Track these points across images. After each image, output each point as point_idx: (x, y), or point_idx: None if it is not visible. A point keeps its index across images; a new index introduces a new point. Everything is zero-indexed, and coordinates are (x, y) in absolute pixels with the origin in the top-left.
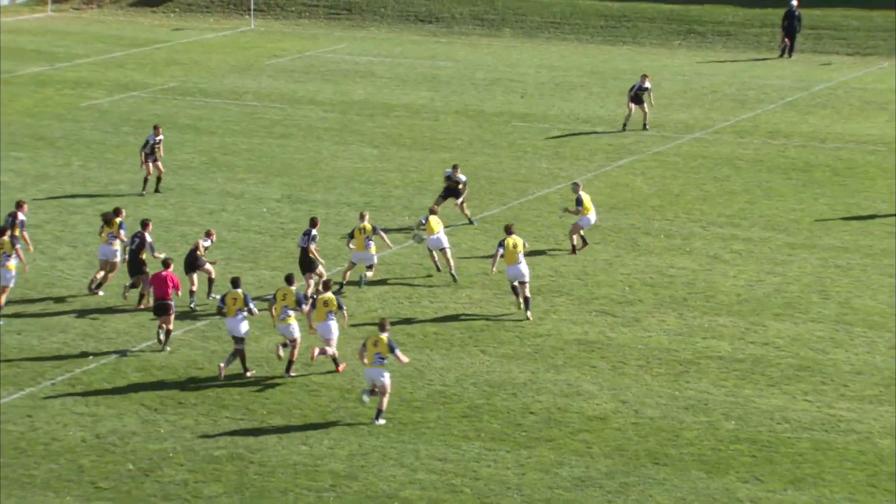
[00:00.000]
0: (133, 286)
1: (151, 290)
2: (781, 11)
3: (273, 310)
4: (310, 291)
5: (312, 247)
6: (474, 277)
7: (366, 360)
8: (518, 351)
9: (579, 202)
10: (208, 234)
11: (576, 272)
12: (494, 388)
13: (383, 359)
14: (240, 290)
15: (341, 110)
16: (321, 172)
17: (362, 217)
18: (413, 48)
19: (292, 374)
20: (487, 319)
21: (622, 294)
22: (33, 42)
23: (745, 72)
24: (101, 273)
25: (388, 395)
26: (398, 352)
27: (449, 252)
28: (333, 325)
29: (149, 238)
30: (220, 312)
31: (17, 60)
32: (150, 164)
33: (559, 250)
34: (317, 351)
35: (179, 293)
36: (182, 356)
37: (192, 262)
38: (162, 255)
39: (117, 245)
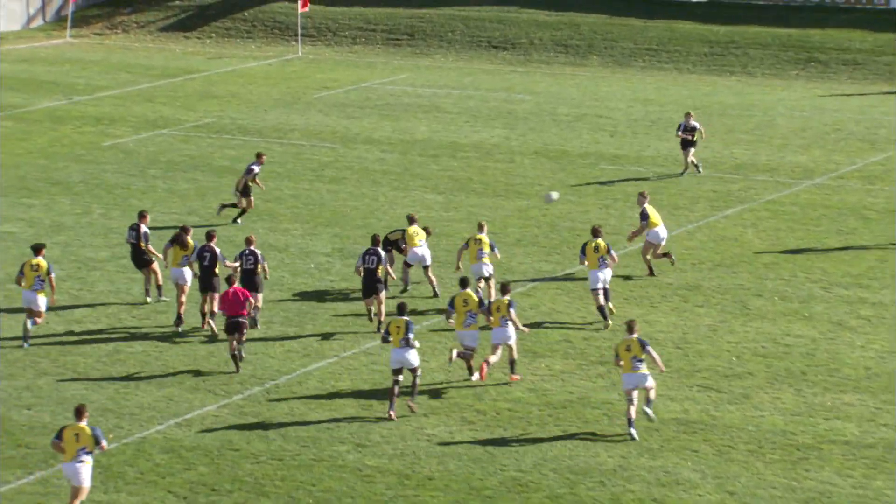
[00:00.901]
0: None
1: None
2: None
3: (451, 319)
4: (382, 311)
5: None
6: (555, 345)
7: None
8: (606, 431)
9: (644, 216)
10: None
11: (674, 339)
12: (578, 476)
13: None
14: (405, 318)
15: (401, 150)
16: (378, 222)
17: (480, 228)
18: (485, 79)
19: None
20: (570, 393)
21: (729, 366)
22: (49, 72)
23: (876, 107)
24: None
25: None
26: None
27: (431, 270)
28: (510, 330)
29: (217, 250)
30: (385, 341)
31: (30, 93)
32: (245, 198)
33: (655, 313)
34: (454, 355)
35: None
36: (216, 436)
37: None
38: (236, 263)
39: (188, 268)
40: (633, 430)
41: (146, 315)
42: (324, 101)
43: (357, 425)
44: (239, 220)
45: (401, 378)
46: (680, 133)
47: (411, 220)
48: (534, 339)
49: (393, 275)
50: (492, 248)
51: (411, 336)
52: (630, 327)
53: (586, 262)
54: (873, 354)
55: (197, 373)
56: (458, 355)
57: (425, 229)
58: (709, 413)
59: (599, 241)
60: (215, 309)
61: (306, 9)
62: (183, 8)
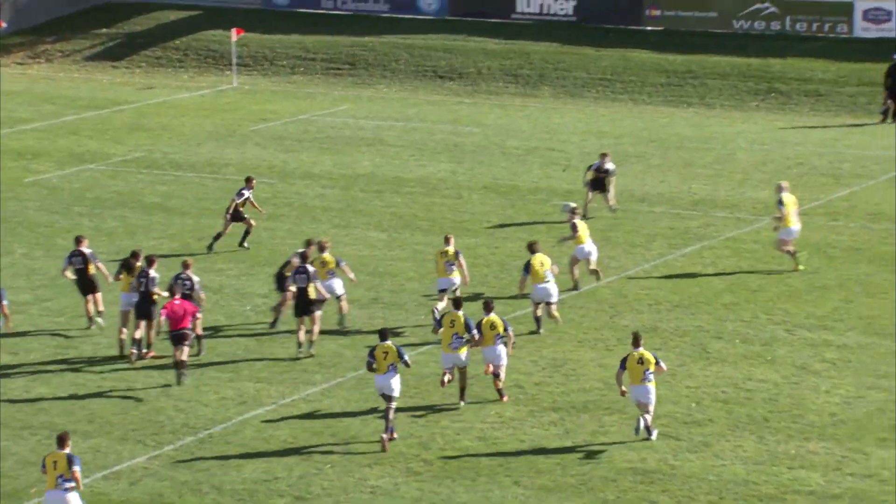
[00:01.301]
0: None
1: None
2: (884, 66)
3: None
4: (315, 332)
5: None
6: (506, 390)
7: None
8: (560, 482)
9: (574, 228)
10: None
11: None
12: None
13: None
14: (389, 342)
15: (343, 185)
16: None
17: (447, 241)
18: (431, 110)
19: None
20: (521, 442)
21: (688, 412)
22: None
23: (839, 140)
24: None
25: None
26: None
27: (344, 298)
28: (502, 349)
29: (156, 275)
30: (371, 368)
31: None
32: (232, 221)
33: (611, 356)
34: (447, 378)
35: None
36: (146, 489)
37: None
38: (165, 293)
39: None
40: (653, 436)
41: (73, 360)
42: (260, 134)
43: (296, 477)
44: (246, 244)
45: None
46: (591, 171)
47: (321, 248)
48: (484, 384)
49: (325, 293)
50: (456, 255)
51: (406, 358)
52: (636, 340)
53: (529, 279)
54: (839, 400)
55: (126, 421)
56: (449, 378)
57: (318, 244)
58: (667, 462)
59: (543, 257)
60: (152, 338)
61: (240, 34)
62: (110, 36)
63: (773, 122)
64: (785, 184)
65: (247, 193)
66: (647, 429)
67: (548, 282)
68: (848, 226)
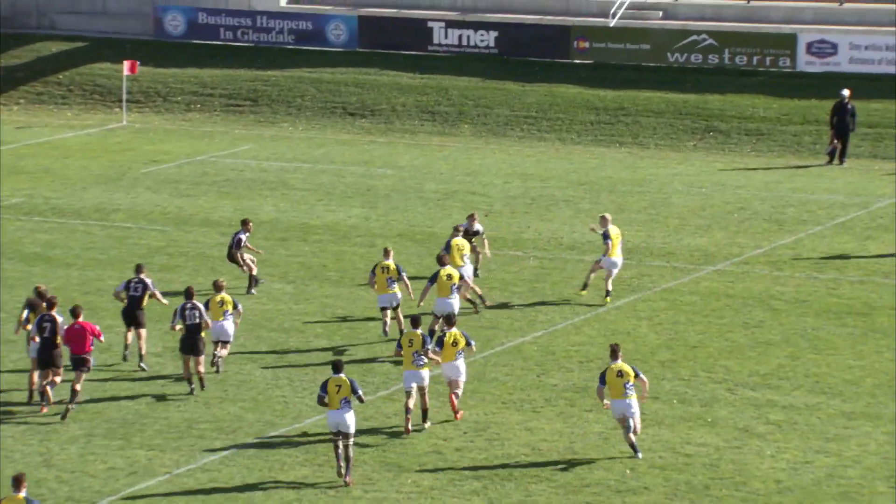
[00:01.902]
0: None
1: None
2: (830, 104)
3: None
4: (201, 368)
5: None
6: (424, 457)
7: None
8: None
9: (606, 237)
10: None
11: (559, 449)
12: None
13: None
14: (343, 376)
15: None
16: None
17: (386, 254)
18: (341, 150)
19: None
20: None
21: (622, 479)
22: None
23: (783, 183)
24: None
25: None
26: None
27: None
28: (462, 364)
29: (60, 318)
30: (322, 403)
31: None
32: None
33: (538, 419)
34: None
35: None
36: None
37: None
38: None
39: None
40: (639, 455)
41: None
42: (153, 177)
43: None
44: (254, 291)
45: (340, 443)
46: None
47: (218, 288)
48: (399, 449)
49: (209, 321)
50: (399, 272)
51: (360, 393)
52: (615, 352)
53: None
54: (784, 465)
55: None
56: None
57: (214, 283)
58: None
59: (451, 270)
60: (57, 380)
61: (134, 71)
62: None
63: (712, 163)
64: (608, 216)
65: (244, 237)
66: (633, 447)
67: (452, 297)
68: (793, 276)
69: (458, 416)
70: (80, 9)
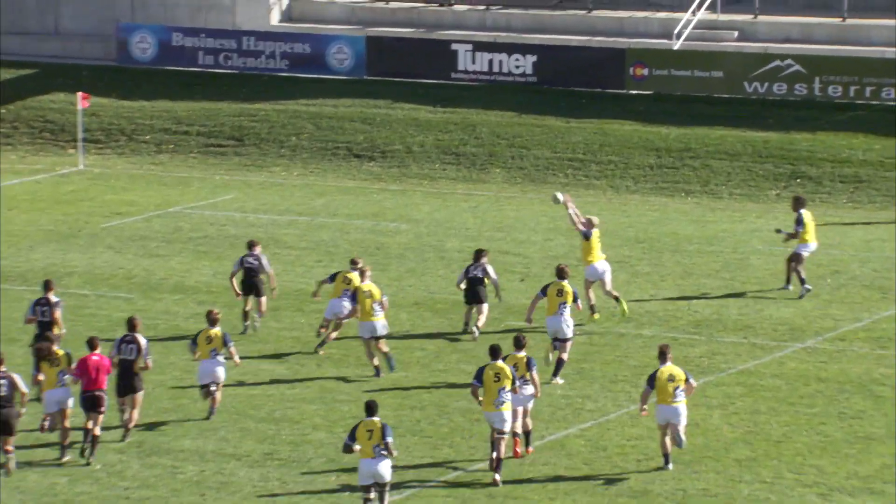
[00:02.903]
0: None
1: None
2: None
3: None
4: (135, 417)
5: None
6: None
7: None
8: None
9: (586, 238)
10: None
11: None
12: None
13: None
14: (377, 419)
15: (227, 302)
16: (192, 404)
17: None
18: (344, 201)
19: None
20: None
21: None
22: None
23: (887, 241)
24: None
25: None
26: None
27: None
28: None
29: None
30: (349, 450)
31: None
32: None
33: None
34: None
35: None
36: None
37: None
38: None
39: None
40: (669, 466)
41: None
42: (115, 233)
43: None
44: (257, 323)
45: (372, 496)
46: (461, 285)
47: (212, 321)
48: None
49: (150, 364)
50: (381, 298)
51: (390, 441)
52: (663, 354)
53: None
54: None
55: None
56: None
57: (207, 314)
58: None
59: (564, 283)
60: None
61: (86, 104)
62: None
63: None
64: (595, 219)
65: (255, 263)
66: (666, 456)
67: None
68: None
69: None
70: (27, 28)
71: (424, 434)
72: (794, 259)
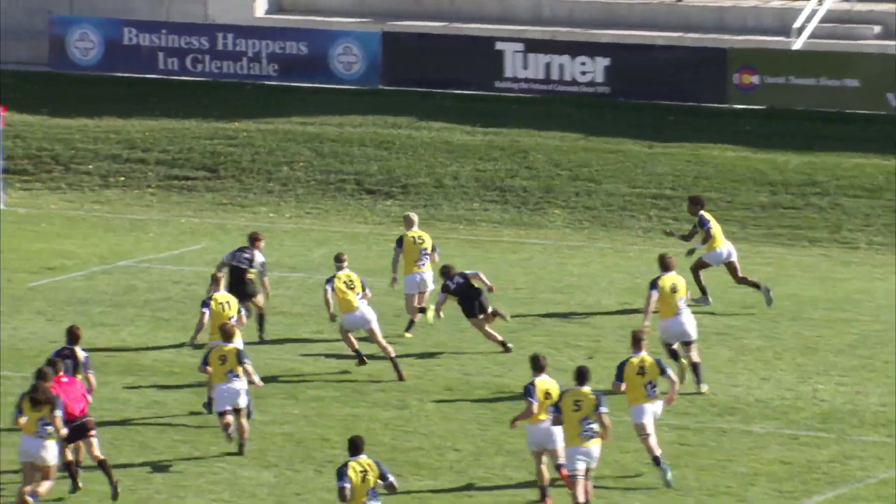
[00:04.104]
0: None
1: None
2: None
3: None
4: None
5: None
6: None
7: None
8: None
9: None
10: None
11: None
12: None
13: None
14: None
15: (197, 389)
16: None
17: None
18: (353, 251)
19: None
20: None
21: None
22: None
23: None
24: None
25: None
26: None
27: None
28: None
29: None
30: (343, 498)
31: None
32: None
33: None
34: None
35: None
36: None
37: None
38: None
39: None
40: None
41: None
42: (46, 295)
43: None
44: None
45: None
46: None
47: (227, 336)
48: None
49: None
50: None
51: (391, 479)
52: (637, 340)
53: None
54: None
55: None
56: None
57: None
58: None
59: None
60: None
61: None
62: None
63: None
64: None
65: (250, 261)
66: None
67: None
68: None
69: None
70: None
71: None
72: None
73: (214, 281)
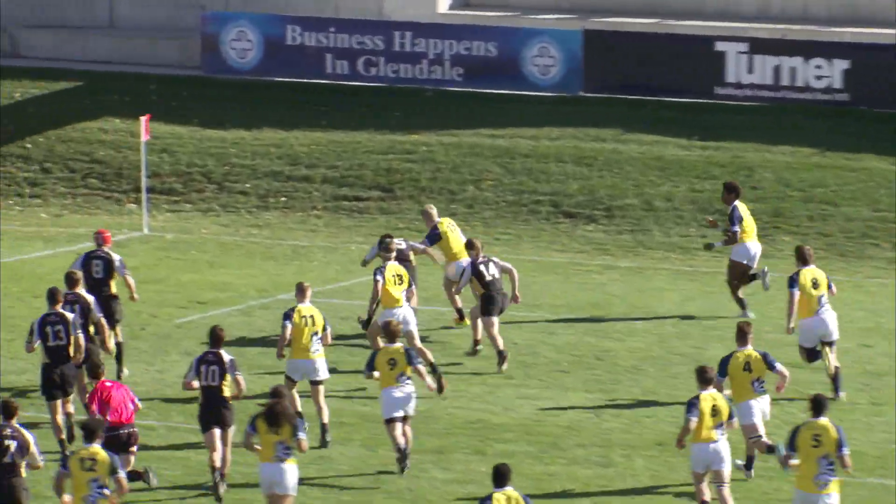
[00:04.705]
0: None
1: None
2: None
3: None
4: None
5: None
6: None
7: None
8: None
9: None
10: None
11: None
12: None
13: None
14: None
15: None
16: None
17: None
18: (547, 283)
19: None
20: None
21: None
22: None
23: None
24: None
25: None
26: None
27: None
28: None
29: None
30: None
31: None
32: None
33: None
34: None
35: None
36: None
37: None
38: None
39: None
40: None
41: None
42: (195, 332)
43: None
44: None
45: None
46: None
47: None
48: None
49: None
50: (325, 326)
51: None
52: (743, 334)
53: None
54: None
55: None
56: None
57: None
58: None
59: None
60: None
61: (149, 136)
62: None
63: None
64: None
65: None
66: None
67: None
68: None
69: None
70: (63, 20)
71: None
72: None
73: None
